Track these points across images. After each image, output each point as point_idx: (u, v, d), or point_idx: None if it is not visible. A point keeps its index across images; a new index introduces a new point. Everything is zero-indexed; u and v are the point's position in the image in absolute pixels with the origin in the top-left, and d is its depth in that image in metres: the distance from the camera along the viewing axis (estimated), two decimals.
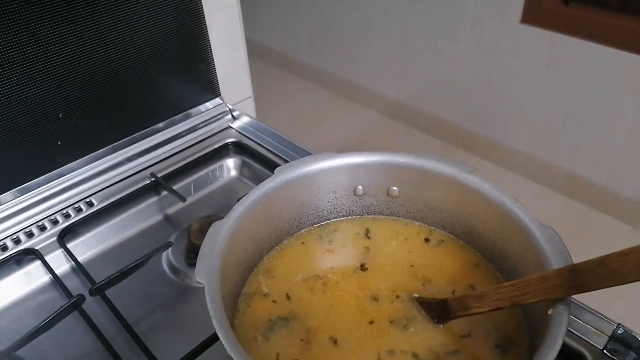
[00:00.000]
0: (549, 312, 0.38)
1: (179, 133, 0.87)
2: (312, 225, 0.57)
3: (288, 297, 0.50)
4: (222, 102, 0.93)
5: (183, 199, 0.76)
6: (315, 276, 0.51)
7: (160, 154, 0.84)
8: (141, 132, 0.84)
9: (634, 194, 1.85)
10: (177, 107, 0.88)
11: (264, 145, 0.85)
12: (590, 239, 1.85)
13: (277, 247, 0.55)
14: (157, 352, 0.57)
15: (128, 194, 0.77)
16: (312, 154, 0.82)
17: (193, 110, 0.90)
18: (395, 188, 0.55)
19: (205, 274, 0.40)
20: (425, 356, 0.44)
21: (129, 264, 0.64)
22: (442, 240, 0.54)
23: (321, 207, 0.56)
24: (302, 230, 0.56)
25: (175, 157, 0.85)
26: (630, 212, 1.90)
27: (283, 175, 0.51)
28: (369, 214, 0.58)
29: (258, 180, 0.83)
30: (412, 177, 0.53)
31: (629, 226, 1.91)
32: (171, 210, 0.79)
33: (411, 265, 0.52)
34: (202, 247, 0.43)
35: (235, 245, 0.46)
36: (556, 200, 1.99)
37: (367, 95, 2.49)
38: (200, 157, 0.84)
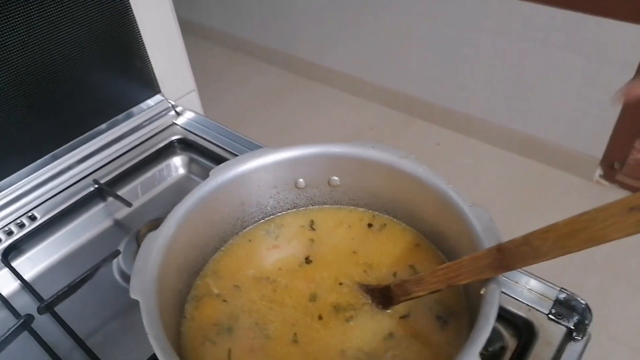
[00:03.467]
0: (482, 292, 0.39)
1: (121, 135, 0.85)
2: (257, 221, 0.57)
3: (238, 292, 0.49)
4: (163, 98, 0.90)
5: (129, 204, 0.74)
6: (265, 277, 0.51)
7: (103, 159, 0.82)
8: (81, 137, 0.82)
9: (586, 148, 1.91)
10: (117, 107, 0.86)
11: (211, 140, 0.84)
12: (548, 196, 1.90)
13: (222, 247, 0.54)
14: None
15: (72, 204, 0.74)
16: (260, 146, 0.82)
17: (135, 109, 0.88)
18: (335, 178, 0.55)
19: (140, 290, 0.39)
20: (372, 343, 0.44)
21: (77, 277, 0.62)
22: (385, 225, 0.54)
23: (264, 203, 0.56)
24: (248, 228, 0.56)
25: (118, 160, 0.82)
26: (584, 166, 1.96)
27: (219, 176, 0.50)
28: (313, 205, 0.58)
29: (207, 176, 0.82)
30: (350, 166, 0.53)
31: (584, 179, 1.97)
32: (119, 216, 0.77)
33: (354, 252, 0.52)
34: (136, 261, 0.42)
35: (173, 254, 0.45)
36: (514, 161, 2.04)
37: (324, 72, 2.47)
38: (145, 158, 0.82)
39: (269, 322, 0.47)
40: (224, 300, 0.49)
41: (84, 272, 0.63)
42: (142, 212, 0.77)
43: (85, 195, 0.76)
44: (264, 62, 2.69)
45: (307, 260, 0.52)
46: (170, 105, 0.90)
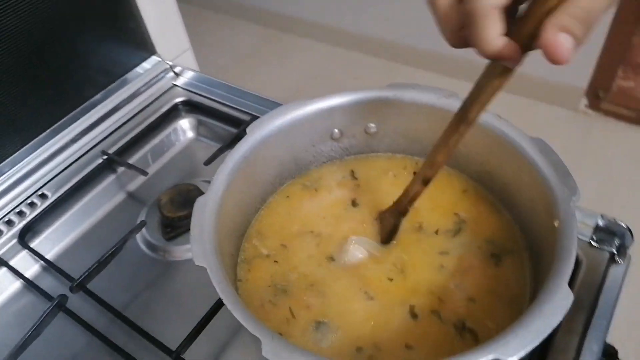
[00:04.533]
0: (556, 224, 0.38)
1: (121, 102, 0.80)
2: (294, 177, 0.55)
3: (286, 251, 0.48)
4: (160, 59, 0.85)
5: (144, 172, 0.71)
6: (309, 231, 0.49)
7: (106, 128, 0.78)
8: (79, 108, 0.77)
9: (571, 79, 1.93)
10: (112, 73, 0.81)
11: (217, 100, 0.80)
12: (537, 129, 1.92)
13: (262, 207, 0.52)
14: (155, 332, 0.55)
15: (82, 177, 0.71)
16: (267, 100, 0.78)
17: (130, 75, 0.83)
18: (372, 125, 0.53)
19: (204, 256, 0.38)
20: (430, 283, 0.44)
21: (105, 252, 0.60)
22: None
23: (300, 158, 0.53)
24: (285, 185, 0.54)
25: (123, 128, 0.78)
26: (570, 97, 1.98)
27: (256, 133, 0.48)
28: (349, 155, 0.56)
29: (218, 138, 0.78)
30: (388, 111, 0.51)
31: (571, 110, 1.99)
32: (133, 187, 0.74)
33: None
34: (191, 228, 0.40)
35: (223, 217, 0.43)
36: (502, 98, 2.04)
37: (303, 25, 2.39)
38: (150, 123, 0.78)
39: (319, 280, 0.46)
40: (275, 261, 0.47)
41: (112, 246, 0.61)
42: (156, 180, 0.74)
43: (94, 168, 0.72)
44: (240, 19, 2.59)
45: (354, 204, 0.51)
46: (167, 66, 0.85)
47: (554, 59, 0.30)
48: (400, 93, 0.49)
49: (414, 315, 0.43)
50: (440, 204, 0.50)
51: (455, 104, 0.48)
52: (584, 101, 1.98)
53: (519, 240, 0.47)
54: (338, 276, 0.46)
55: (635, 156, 1.83)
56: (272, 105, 0.76)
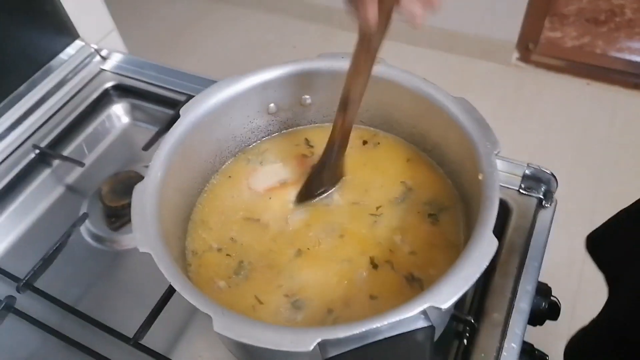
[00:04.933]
0: (480, 177, 0.41)
1: (48, 91, 0.77)
2: (234, 155, 0.55)
3: (236, 244, 0.48)
4: (83, 43, 0.82)
5: (81, 164, 0.69)
6: (255, 219, 0.50)
7: (35, 121, 0.74)
8: (4, 101, 0.73)
9: (501, 34, 1.99)
10: (34, 62, 0.77)
11: (149, 82, 0.78)
12: (472, 85, 1.98)
13: (206, 188, 0.52)
14: (111, 322, 0.55)
15: (15, 175, 0.68)
16: (202, 78, 0.77)
17: (54, 62, 0.79)
18: (307, 96, 0.53)
19: (148, 243, 0.38)
20: (377, 245, 0.46)
21: (49, 248, 0.59)
22: (378, 141, 0.55)
23: (238, 135, 0.54)
24: (226, 164, 0.54)
25: (53, 119, 0.75)
26: (501, 52, 2.04)
27: (191, 114, 0.48)
28: (287, 129, 0.56)
29: (155, 121, 0.77)
30: (322, 82, 0.51)
31: (503, 65, 2.07)
32: (71, 179, 0.72)
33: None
34: (132, 215, 0.40)
35: (165, 202, 0.43)
36: (437, 58, 2.09)
37: None
38: (81, 112, 0.76)
39: (279, 261, 0.47)
40: (228, 255, 0.48)
41: (56, 242, 0.59)
42: (94, 170, 0.72)
43: (28, 163, 0.69)
44: None
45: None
46: (93, 50, 0.82)
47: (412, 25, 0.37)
48: (331, 63, 0.50)
49: (374, 265, 0.46)
50: (388, 175, 0.52)
51: (383, 70, 0.49)
52: (515, 54, 2.05)
53: (454, 196, 0.50)
54: (293, 251, 0.47)
55: (565, 104, 1.93)
56: (207, 83, 0.74)
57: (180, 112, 0.48)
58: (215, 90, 0.49)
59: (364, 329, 0.32)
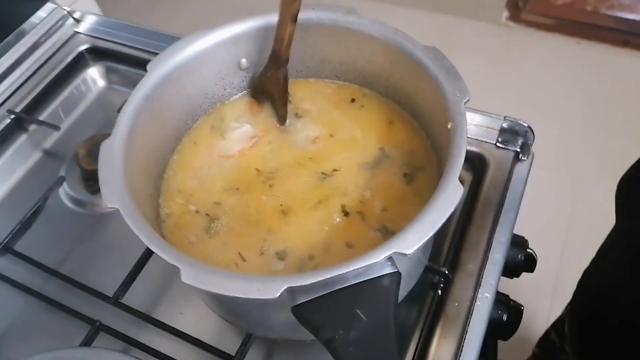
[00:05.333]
0: (449, 126, 0.41)
1: (21, 55, 0.75)
2: (207, 112, 0.54)
3: (221, 207, 0.48)
4: (55, 5, 0.80)
5: (57, 127, 0.68)
6: (233, 188, 0.49)
7: (9, 86, 0.73)
8: None
9: None
10: (5, 26, 0.75)
11: (125, 43, 0.76)
12: (463, 45, 1.96)
13: (176, 150, 0.52)
14: (92, 283, 0.56)
15: None
16: (179, 38, 0.75)
17: (26, 25, 0.77)
18: None
19: (115, 198, 0.38)
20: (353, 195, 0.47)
21: (27, 211, 0.59)
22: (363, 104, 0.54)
23: (210, 92, 0.53)
24: (196, 124, 0.53)
25: (27, 84, 0.74)
26: (491, 11, 2.01)
27: (158, 70, 0.47)
28: None
29: (131, 83, 0.75)
30: (295, 35, 0.50)
31: (493, 24, 2.04)
32: (48, 144, 0.71)
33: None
34: (99, 172, 0.40)
35: (133, 158, 0.43)
36: (426, 18, 2.05)
37: None
38: (56, 76, 0.74)
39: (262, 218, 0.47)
40: (207, 215, 0.48)
41: (34, 205, 0.59)
42: (71, 134, 0.72)
43: (4, 128, 0.69)
44: None
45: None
46: (65, 12, 0.80)
47: None
48: (301, 15, 0.49)
49: (345, 213, 0.46)
50: (367, 143, 0.52)
51: (353, 20, 0.49)
52: (505, 14, 2.03)
53: (429, 154, 0.49)
54: (273, 205, 0.47)
55: (554, 63, 1.91)
56: None
57: (148, 67, 0.47)
58: (182, 45, 0.48)
59: (329, 275, 0.32)
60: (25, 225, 0.59)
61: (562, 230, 1.46)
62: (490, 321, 0.49)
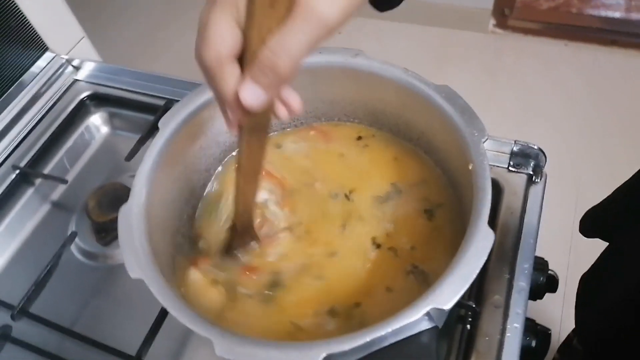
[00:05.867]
0: (470, 167, 0.40)
1: (22, 108, 0.75)
2: (221, 160, 0.54)
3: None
4: (54, 54, 0.79)
5: (64, 181, 0.67)
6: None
7: (12, 140, 0.72)
8: None
9: (476, 3, 1.97)
10: (5, 79, 0.74)
11: (126, 88, 0.76)
12: (452, 55, 1.97)
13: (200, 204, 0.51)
14: (111, 341, 0.54)
15: None
16: (181, 80, 0.75)
17: (26, 77, 0.76)
18: None
19: (139, 267, 0.37)
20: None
21: (41, 271, 0.58)
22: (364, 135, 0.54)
23: (222, 140, 0.52)
24: (216, 170, 0.53)
25: (30, 137, 0.73)
26: (478, 20, 2.03)
27: (170, 125, 0.46)
28: (273, 131, 0.55)
29: (136, 128, 0.75)
30: (301, 79, 0.50)
31: (481, 33, 2.05)
32: (55, 196, 0.70)
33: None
34: (120, 238, 0.39)
35: (153, 220, 0.42)
36: (415, 31, 2.07)
37: None
38: (59, 126, 0.74)
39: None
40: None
41: (47, 264, 0.58)
42: (79, 184, 0.71)
43: (9, 185, 0.68)
44: None
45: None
46: (64, 60, 0.79)
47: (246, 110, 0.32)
48: (309, 59, 0.49)
49: (377, 245, 0.46)
50: (375, 179, 0.51)
51: (362, 63, 0.48)
52: (492, 21, 2.04)
53: (449, 193, 0.49)
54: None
55: (545, 67, 1.93)
56: (187, 85, 0.73)
57: (159, 124, 0.46)
58: (192, 97, 0.48)
59: (368, 339, 0.32)
60: (39, 286, 0.58)
61: (567, 233, 1.46)
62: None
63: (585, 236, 0.68)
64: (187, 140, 0.48)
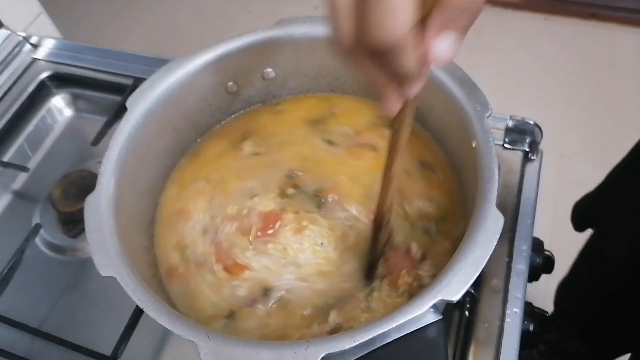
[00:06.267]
0: (473, 145, 0.37)
1: None
2: (195, 141, 0.49)
3: None
4: (9, 31, 0.73)
5: (25, 169, 0.62)
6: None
7: None
8: None
9: None
10: None
11: (89, 67, 0.70)
12: None
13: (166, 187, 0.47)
14: (84, 341, 0.50)
15: None
16: (148, 57, 0.70)
17: None
18: (269, 70, 0.48)
19: (109, 264, 0.33)
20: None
21: (4, 268, 0.53)
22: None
23: (197, 121, 0.48)
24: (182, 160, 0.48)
25: None
26: None
27: (139, 106, 0.41)
28: (250, 107, 0.51)
29: (102, 110, 0.69)
30: (283, 52, 0.46)
31: None
32: (17, 186, 0.64)
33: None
34: (87, 233, 0.35)
35: (124, 211, 0.38)
36: None
37: None
38: (17, 110, 0.68)
39: None
40: None
41: (10, 259, 0.54)
42: (42, 172, 0.65)
43: None
44: None
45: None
46: (21, 37, 0.73)
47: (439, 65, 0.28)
48: (292, 30, 0.44)
49: None
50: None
51: None
52: None
53: (441, 158, 0.45)
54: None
55: (525, 41, 1.91)
56: (155, 62, 0.68)
57: (127, 104, 0.41)
58: (163, 75, 0.43)
59: (369, 337, 0.28)
60: (2, 283, 0.53)
61: (549, 207, 1.46)
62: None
63: (577, 229, 0.67)
64: (157, 121, 0.43)
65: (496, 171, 0.34)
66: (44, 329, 0.52)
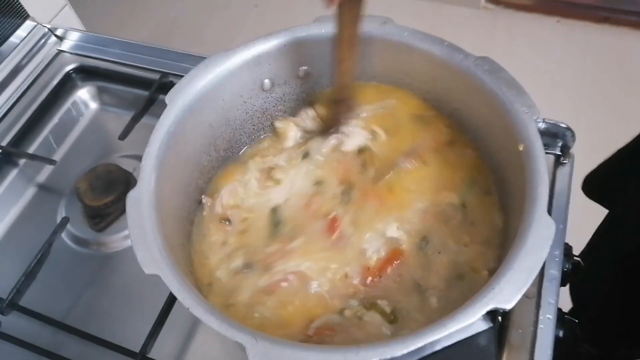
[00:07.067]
0: (520, 148, 0.36)
1: (3, 82, 0.68)
2: (229, 140, 0.49)
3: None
4: (35, 23, 0.72)
5: (51, 161, 0.62)
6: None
7: None
8: None
9: None
10: None
11: (115, 60, 0.70)
12: (446, 31, 1.92)
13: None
14: (110, 336, 0.50)
15: None
16: (175, 52, 0.69)
17: (5, 47, 0.70)
18: (305, 68, 0.47)
19: (154, 262, 0.32)
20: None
21: (31, 261, 0.53)
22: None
23: (232, 117, 0.47)
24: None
25: (11, 113, 0.67)
26: None
27: (178, 101, 0.41)
28: (284, 103, 0.50)
29: (128, 104, 0.69)
30: (320, 50, 0.45)
31: (473, 8, 2.00)
32: (42, 178, 0.64)
33: None
34: (130, 230, 0.34)
35: (164, 208, 0.37)
36: (407, 5, 2.01)
37: None
38: (43, 101, 0.67)
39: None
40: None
41: (37, 253, 0.53)
42: (68, 165, 0.65)
43: None
44: None
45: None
46: (46, 29, 0.72)
47: None
48: (329, 28, 0.44)
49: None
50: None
51: (391, 31, 0.44)
52: None
53: (490, 179, 0.45)
54: None
55: (537, 44, 1.89)
56: (183, 57, 0.68)
57: (166, 100, 0.41)
58: (201, 71, 0.43)
59: (421, 344, 0.28)
60: (29, 276, 0.53)
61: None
62: None
63: (588, 196, 0.69)
64: (195, 117, 0.43)
65: (546, 176, 0.34)
66: (69, 323, 0.52)
